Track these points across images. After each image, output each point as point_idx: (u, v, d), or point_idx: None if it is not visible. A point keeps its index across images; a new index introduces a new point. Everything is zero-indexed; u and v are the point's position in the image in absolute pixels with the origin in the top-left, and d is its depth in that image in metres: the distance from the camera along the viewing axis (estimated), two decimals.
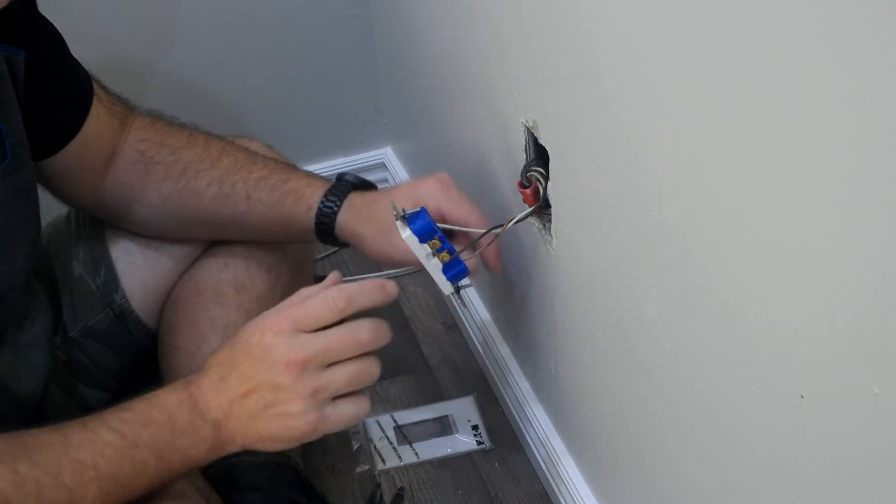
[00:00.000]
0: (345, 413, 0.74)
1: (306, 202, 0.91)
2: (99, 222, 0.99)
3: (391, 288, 0.76)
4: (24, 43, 0.80)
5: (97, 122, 0.89)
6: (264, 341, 0.73)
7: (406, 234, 0.76)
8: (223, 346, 0.76)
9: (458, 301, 0.82)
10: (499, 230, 0.80)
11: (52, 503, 0.66)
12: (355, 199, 0.90)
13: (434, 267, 0.77)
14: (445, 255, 0.77)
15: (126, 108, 0.93)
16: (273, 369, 0.72)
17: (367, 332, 0.75)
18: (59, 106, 0.86)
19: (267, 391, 0.72)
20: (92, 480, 0.68)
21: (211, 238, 1.00)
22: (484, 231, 0.81)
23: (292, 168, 0.96)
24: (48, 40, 0.84)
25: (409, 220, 0.77)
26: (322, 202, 0.90)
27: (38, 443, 0.68)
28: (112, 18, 1.26)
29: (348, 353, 0.74)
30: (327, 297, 0.74)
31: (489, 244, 0.82)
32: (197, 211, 0.94)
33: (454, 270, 0.78)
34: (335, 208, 0.90)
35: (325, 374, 0.73)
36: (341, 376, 0.73)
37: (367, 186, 0.94)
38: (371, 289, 0.75)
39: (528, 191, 0.82)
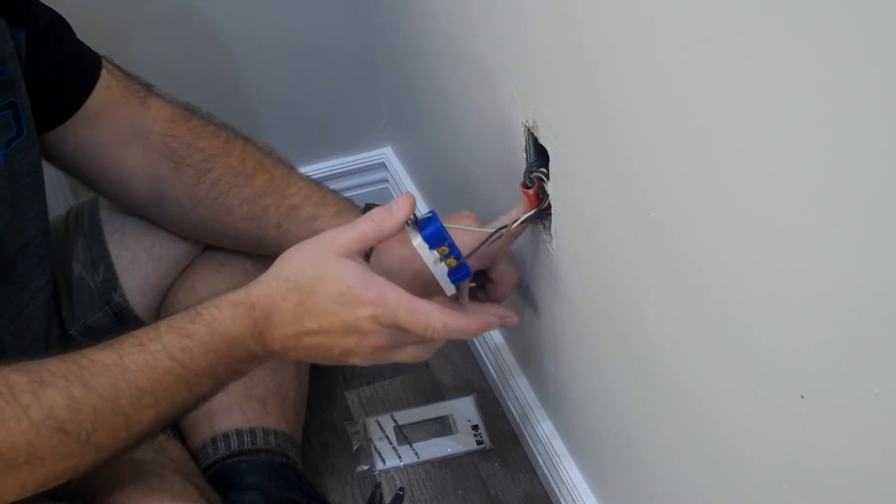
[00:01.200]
0: (398, 359, 0.75)
1: None
2: (97, 221, 0.99)
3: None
4: (22, 22, 0.81)
5: (108, 92, 0.88)
6: (364, 310, 0.71)
7: (417, 241, 0.77)
8: (296, 272, 0.73)
9: (459, 298, 0.82)
10: (503, 231, 0.81)
11: (108, 429, 0.66)
12: (382, 249, 0.87)
13: (440, 271, 0.78)
14: (452, 261, 0.78)
15: (145, 89, 0.92)
16: (356, 341, 0.72)
17: (441, 328, 0.74)
18: (65, 74, 0.86)
19: (338, 336, 0.72)
20: (150, 406, 0.68)
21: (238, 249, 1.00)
22: (492, 231, 0.81)
23: (324, 193, 0.93)
24: (46, 18, 0.85)
25: (420, 225, 0.77)
26: None
27: (94, 365, 0.67)
28: (111, 17, 1.25)
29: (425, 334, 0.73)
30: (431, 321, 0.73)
31: (494, 241, 0.82)
32: (226, 226, 0.93)
33: (459, 274, 0.79)
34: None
35: (396, 350, 0.74)
36: (407, 354, 0.75)
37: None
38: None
39: (531, 191, 0.82)
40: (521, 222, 0.83)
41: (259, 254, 0.97)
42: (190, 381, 0.70)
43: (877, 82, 0.40)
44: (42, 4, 0.85)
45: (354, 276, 0.71)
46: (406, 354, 0.75)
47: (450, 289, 0.79)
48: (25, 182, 0.81)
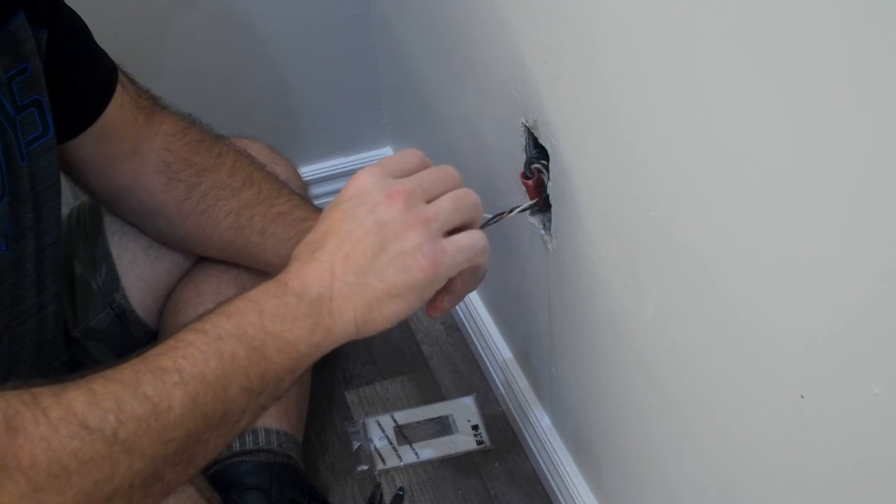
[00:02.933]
0: (462, 241, 0.65)
1: None
2: (99, 221, 0.99)
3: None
4: (45, 22, 0.80)
5: (121, 110, 0.88)
6: (356, 190, 0.65)
7: None
8: (307, 237, 0.67)
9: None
10: (499, 218, 0.80)
11: (134, 416, 0.56)
12: None
13: None
14: None
15: (153, 104, 0.92)
16: (375, 209, 0.63)
17: (452, 170, 0.68)
18: (82, 87, 0.86)
19: (373, 235, 0.62)
20: (175, 385, 0.58)
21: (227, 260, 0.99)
22: (489, 217, 0.79)
23: (314, 206, 0.93)
24: (71, 24, 0.84)
25: None
26: None
27: (115, 363, 0.60)
28: (111, 18, 1.25)
29: (444, 185, 0.67)
30: (405, 151, 0.69)
31: (491, 224, 0.78)
32: (211, 237, 0.93)
33: None
34: None
35: (431, 205, 0.65)
36: (446, 203, 0.65)
37: None
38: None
39: (530, 182, 0.82)
40: (519, 211, 0.82)
41: (246, 265, 0.97)
42: (219, 350, 0.59)
43: (879, 81, 0.40)
44: (68, 7, 0.84)
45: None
46: (451, 208, 0.65)
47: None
48: (46, 185, 0.81)
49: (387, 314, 0.63)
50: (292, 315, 0.61)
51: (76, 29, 0.85)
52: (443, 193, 0.66)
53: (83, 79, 0.86)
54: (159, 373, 0.58)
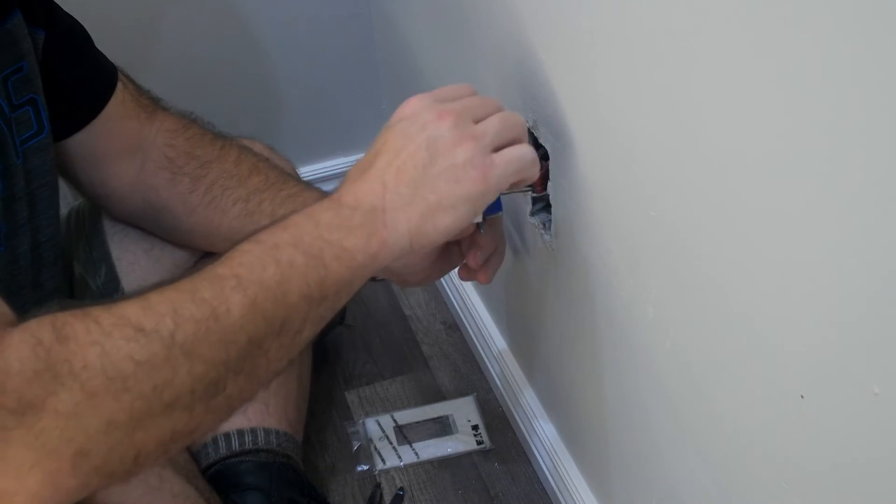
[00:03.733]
0: (511, 153, 0.67)
1: None
2: (98, 221, 0.99)
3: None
4: (42, 23, 0.81)
5: (122, 107, 0.88)
6: (406, 113, 0.67)
7: None
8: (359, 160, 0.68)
9: (482, 229, 0.81)
10: (522, 191, 0.81)
11: (192, 319, 0.55)
12: None
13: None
14: None
15: (154, 104, 0.93)
16: (426, 126, 0.65)
17: (496, 100, 0.70)
18: (81, 84, 0.86)
19: (424, 149, 0.64)
20: (234, 289, 0.57)
21: None
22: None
23: (324, 193, 0.92)
24: (69, 26, 0.85)
25: None
26: None
27: (172, 279, 0.58)
28: (111, 18, 1.25)
29: (491, 108, 0.69)
30: (455, 84, 0.71)
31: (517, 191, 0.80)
32: (220, 227, 0.92)
33: (490, 206, 0.78)
34: None
35: (479, 124, 0.67)
36: (494, 122, 0.67)
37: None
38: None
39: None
40: (519, 192, 0.82)
41: None
42: (276, 257, 0.59)
43: (879, 80, 0.40)
44: (64, 12, 0.85)
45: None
46: (499, 125, 0.67)
47: (477, 216, 0.78)
48: (41, 183, 0.81)
49: (439, 226, 0.64)
50: (348, 225, 0.61)
51: (74, 31, 0.86)
52: (489, 115, 0.68)
53: (83, 76, 0.86)
54: (216, 280, 0.57)
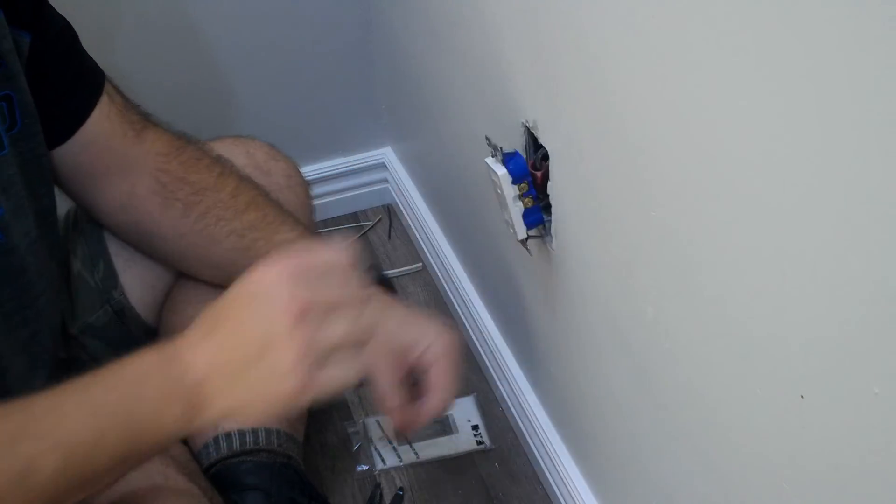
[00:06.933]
0: (334, 376, 0.64)
1: None
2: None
3: None
4: (28, 26, 0.79)
5: (107, 121, 0.87)
6: (264, 281, 0.65)
7: (502, 172, 0.75)
8: (216, 301, 0.67)
9: (526, 249, 0.80)
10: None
11: (2, 475, 0.57)
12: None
13: (517, 210, 0.77)
14: (529, 201, 0.76)
15: (143, 120, 0.90)
16: (269, 317, 0.64)
17: (366, 284, 0.67)
18: (66, 93, 0.85)
19: (258, 342, 0.63)
20: (49, 450, 0.59)
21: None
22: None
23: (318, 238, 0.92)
24: (58, 29, 0.84)
25: (505, 159, 0.76)
26: None
27: (3, 411, 0.60)
28: (111, 18, 1.26)
29: (349, 300, 0.65)
30: (334, 250, 0.66)
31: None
32: (212, 255, 0.91)
33: (533, 217, 0.77)
34: None
35: (323, 329, 0.64)
36: (340, 328, 0.64)
37: (386, 284, 0.91)
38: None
39: (539, 173, 0.82)
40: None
41: None
42: (94, 425, 0.62)
43: (875, 82, 0.40)
44: (56, 14, 0.83)
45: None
46: (342, 333, 0.64)
47: (521, 231, 0.77)
48: (34, 169, 0.80)
49: (249, 417, 0.66)
50: (166, 399, 0.64)
51: (62, 34, 0.84)
52: (345, 308, 0.65)
53: (67, 84, 0.85)
54: (39, 434, 0.60)
